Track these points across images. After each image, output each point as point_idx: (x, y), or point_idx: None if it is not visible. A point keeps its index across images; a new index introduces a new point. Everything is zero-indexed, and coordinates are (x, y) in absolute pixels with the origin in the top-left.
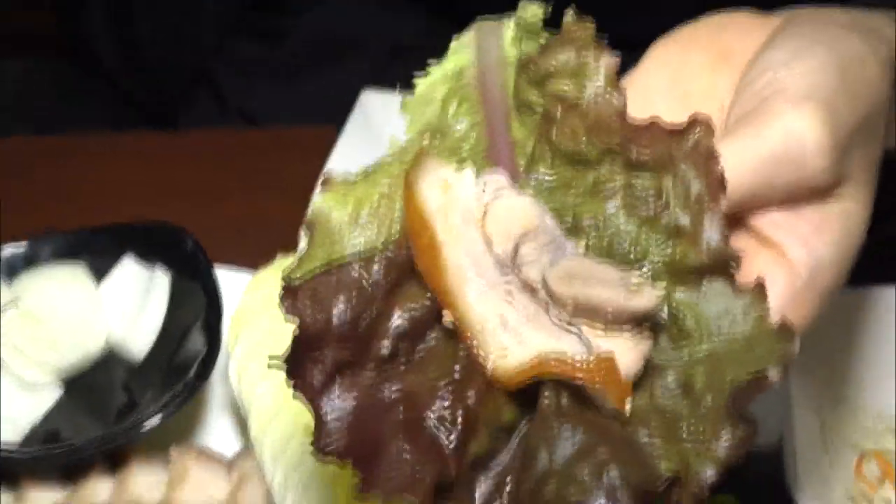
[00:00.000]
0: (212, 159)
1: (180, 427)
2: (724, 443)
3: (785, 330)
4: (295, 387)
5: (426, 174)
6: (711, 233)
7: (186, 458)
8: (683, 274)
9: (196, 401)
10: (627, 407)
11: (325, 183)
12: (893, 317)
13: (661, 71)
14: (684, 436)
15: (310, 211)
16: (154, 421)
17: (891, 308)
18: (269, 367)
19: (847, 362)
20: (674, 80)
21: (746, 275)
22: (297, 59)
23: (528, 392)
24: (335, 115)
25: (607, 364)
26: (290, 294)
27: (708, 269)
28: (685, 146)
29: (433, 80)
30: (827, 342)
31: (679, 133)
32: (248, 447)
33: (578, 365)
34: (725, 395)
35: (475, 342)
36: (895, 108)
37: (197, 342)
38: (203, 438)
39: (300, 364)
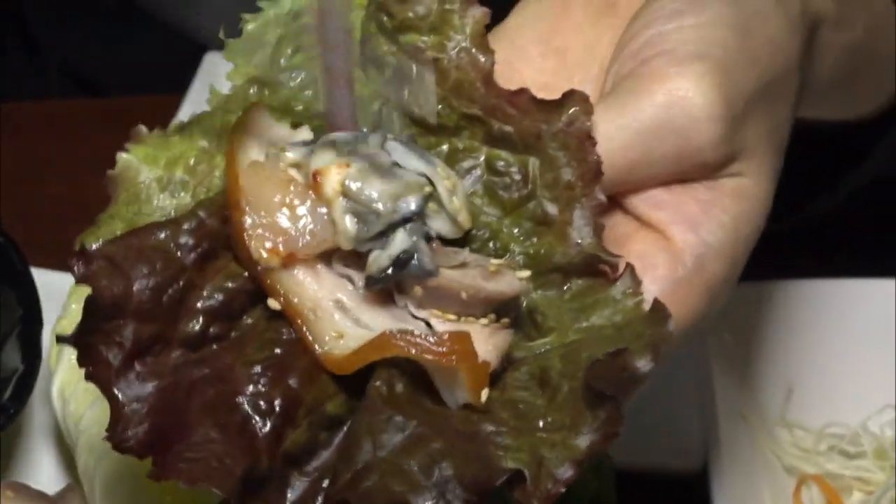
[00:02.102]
0: (26, 133)
1: None
2: (584, 435)
3: (657, 312)
4: (86, 369)
5: (253, 133)
6: (582, 230)
7: (3, 497)
8: (547, 272)
9: (12, 428)
10: (483, 395)
11: (134, 136)
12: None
13: (535, 25)
14: (539, 428)
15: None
16: None
17: (833, 306)
18: (58, 343)
19: (785, 372)
20: (549, 35)
21: (622, 256)
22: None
23: (358, 382)
24: (171, 79)
25: (462, 342)
26: (83, 259)
27: (575, 269)
28: (556, 124)
29: (265, 21)
30: (757, 347)
31: (551, 108)
32: (74, 483)
33: (429, 343)
34: (581, 380)
35: (305, 326)
36: (807, 71)
37: (12, 357)
38: (21, 473)
39: (93, 343)
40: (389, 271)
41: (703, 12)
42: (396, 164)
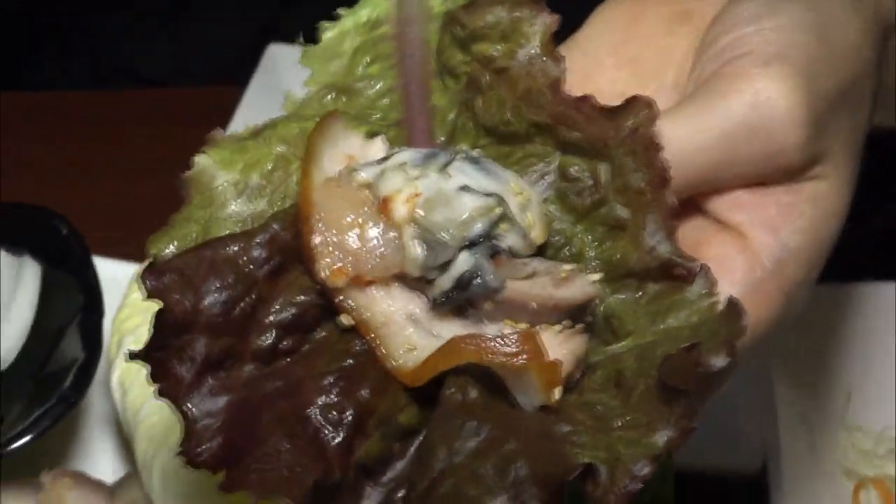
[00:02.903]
0: (82, 126)
1: (53, 448)
2: (660, 432)
3: (732, 310)
4: (158, 385)
5: (329, 142)
6: (656, 234)
7: (60, 485)
8: (622, 277)
9: (72, 417)
10: (556, 395)
11: (210, 139)
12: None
13: (609, 34)
14: (615, 428)
15: (191, 169)
16: (22, 440)
17: (893, 309)
18: (128, 360)
19: (845, 375)
20: (622, 43)
21: (701, 259)
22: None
23: (431, 393)
24: (234, 72)
25: (530, 341)
26: (154, 272)
27: (651, 274)
28: (622, 130)
29: (343, 30)
30: (817, 349)
31: (615, 114)
32: (133, 472)
33: (498, 345)
34: (655, 378)
35: (377, 340)
36: (880, 78)
37: (73, 346)
38: (80, 462)
39: (165, 357)
40: (452, 293)
41: (783, 16)
42: (466, 188)
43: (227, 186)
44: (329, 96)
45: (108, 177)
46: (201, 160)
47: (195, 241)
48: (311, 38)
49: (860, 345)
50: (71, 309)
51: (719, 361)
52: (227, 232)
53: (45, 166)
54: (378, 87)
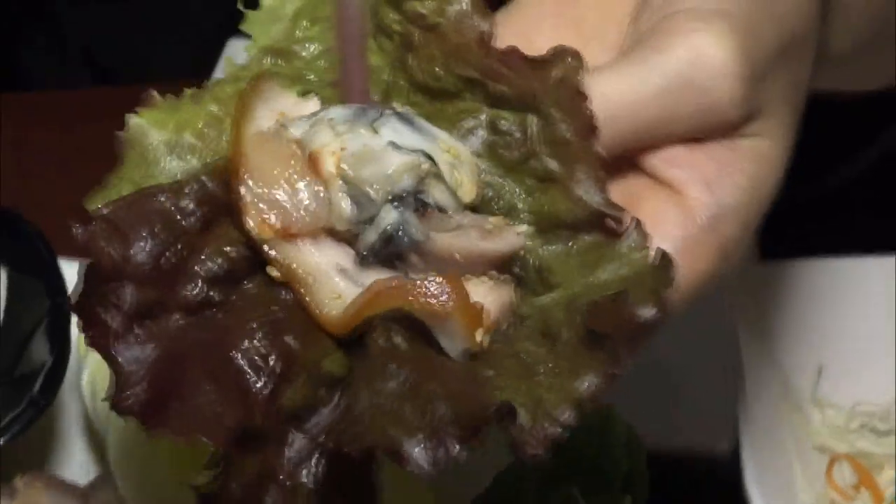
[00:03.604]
0: (49, 123)
1: (25, 452)
2: (583, 378)
3: (662, 261)
4: (87, 333)
5: (262, 100)
6: (586, 185)
7: (34, 489)
8: (553, 228)
9: (43, 420)
10: (479, 338)
11: (144, 101)
12: (863, 289)
13: None
14: (539, 374)
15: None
16: None
17: (862, 283)
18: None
19: (815, 351)
20: (564, 5)
21: (634, 214)
22: None
23: (358, 344)
24: (197, 65)
25: (455, 284)
26: (84, 223)
27: (581, 225)
28: (548, 81)
29: None
30: (786, 326)
31: (541, 65)
32: (106, 474)
33: (422, 288)
34: (581, 326)
35: (303, 290)
36: (822, 36)
37: (41, 350)
38: (53, 465)
39: (93, 306)
40: (378, 246)
41: None
42: (394, 144)
43: (159, 145)
44: (268, 59)
45: (69, 175)
46: (135, 121)
47: None
48: (254, 4)
49: (829, 321)
50: (38, 312)
51: (647, 311)
52: None
53: (4, 166)
54: (314, 48)
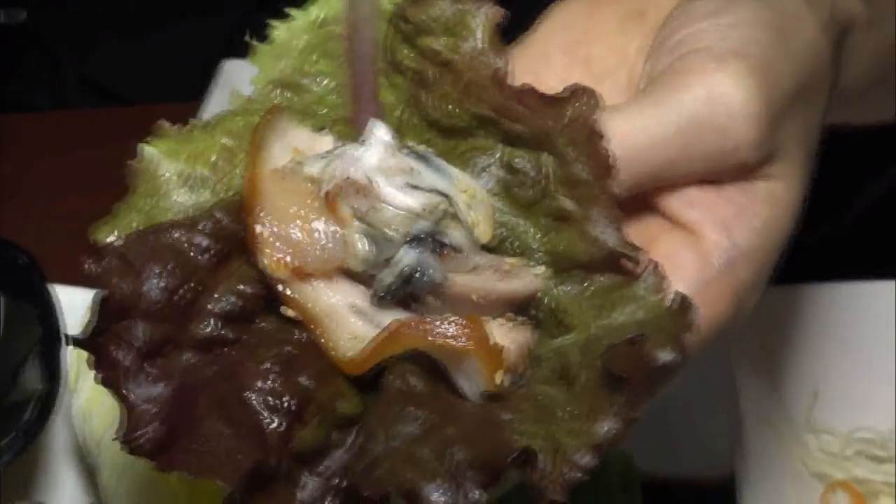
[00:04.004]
0: (42, 146)
1: (16, 480)
2: (602, 422)
3: (681, 305)
4: (98, 371)
5: (277, 134)
6: (602, 225)
7: None
8: (569, 269)
9: (34, 448)
10: (499, 380)
11: (156, 130)
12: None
13: (561, 32)
14: (558, 418)
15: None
16: None
17: (858, 309)
18: (68, 345)
19: (810, 377)
20: (575, 42)
21: (650, 256)
22: (144, 10)
23: (373, 384)
24: (191, 86)
25: (475, 325)
26: (95, 255)
27: (597, 266)
28: (563, 119)
29: (293, 28)
30: (782, 352)
31: (556, 103)
32: (97, 502)
33: (441, 328)
34: (599, 370)
35: (319, 331)
36: (836, 77)
37: (33, 377)
38: (43, 493)
39: (104, 343)
40: (395, 287)
41: (740, 12)
42: (410, 185)
43: (171, 176)
44: (276, 92)
45: (64, 198)
46: (146, 150)
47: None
48: (262, 38)
49: (825, 346)
50: (30, 340)
51: (665, 355)
52: None
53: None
54: (326, 83)
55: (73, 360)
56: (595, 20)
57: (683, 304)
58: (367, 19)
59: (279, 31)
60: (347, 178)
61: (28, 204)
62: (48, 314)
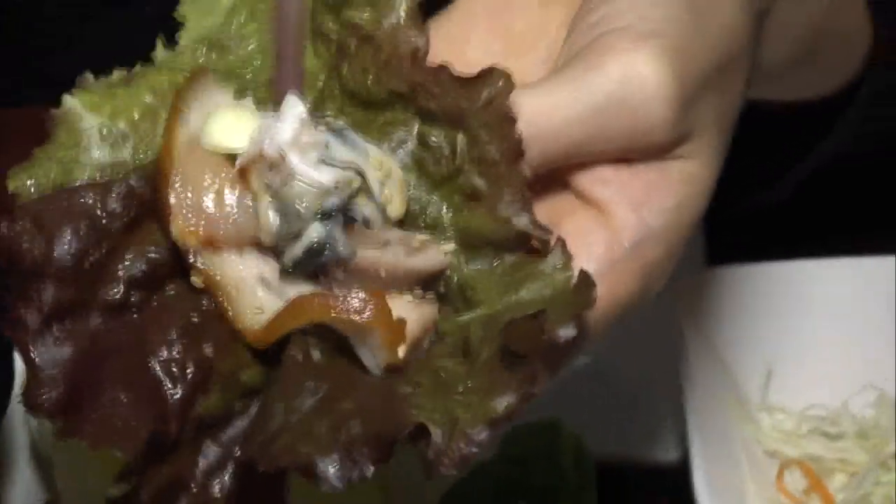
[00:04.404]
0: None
1: None
2: (501, 397)
3: (582, 282)
4: (6, 330)
5: (197, 97)
6: (512, 205)
7: None
8: (478, 246)
9: None
10: (401, 353)
11: (81, 81)
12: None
13: (482, 5)
14: (457, 392)
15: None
16: None
17: (807, 287)
18: None
19: (763, 356)
20: (496, 16)
21: (559, 233)
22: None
23: (276, 355)
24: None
25: (378, 299)
26: (9, 216)
27: (506, 244)
28: (477, 101)
29: None
30: (733, 332)
31: (471, 85)
32: (53, 499)
33: (344, 302)
34: (500, 345)
35: (226, 302)
36: (756, 56)
37: None
38: None
39: (12, 302)
40: (302, 261)
41: None
42: (323, 161)
43: (92, 130)
44: (201, 49)
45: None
46: (69, 101)
47: (54, 181)
48: None
49: (777, 325)
50: None
51: (566, 332)
52: (87, 178)
53: None
54: (251, 46)
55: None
56: None
57: (585, 281)
58: None
59: None
60: (260, 152)
61: None
62: None
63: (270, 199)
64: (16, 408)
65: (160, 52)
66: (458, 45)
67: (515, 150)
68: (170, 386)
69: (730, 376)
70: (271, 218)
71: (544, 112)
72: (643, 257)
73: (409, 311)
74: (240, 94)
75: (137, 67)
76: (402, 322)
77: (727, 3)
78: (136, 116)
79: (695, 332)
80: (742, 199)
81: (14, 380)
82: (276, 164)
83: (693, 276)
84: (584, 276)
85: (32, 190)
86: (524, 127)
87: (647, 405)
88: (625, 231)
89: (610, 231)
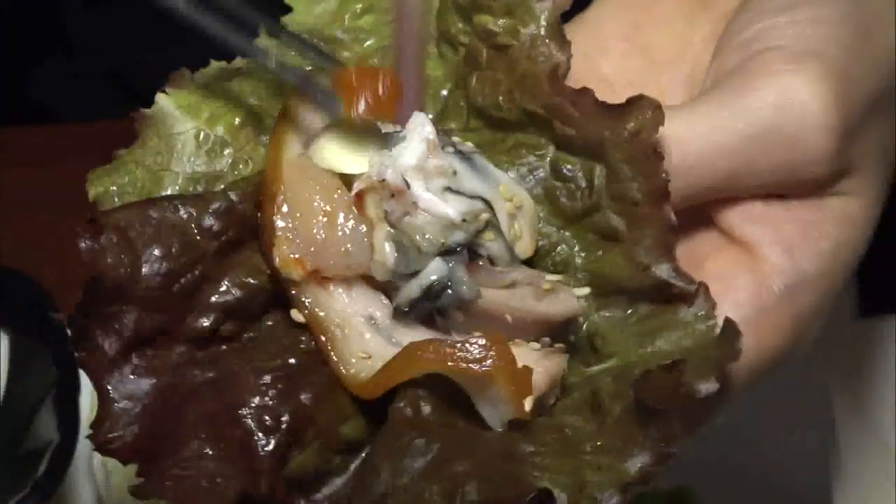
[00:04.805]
0: (57, 160)
1: None
2: (634, 458)
3: (727, 330)
4: (80, 356)
5: (310, 106)
6: (651, 252)
7: None
8: (611, 293)
9: None
10: (527, 407)
11: (174, 78)
12: None
13: (620, 16)
14: (586, 452)
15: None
16: None
17: None
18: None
19: None
20: (635, 28)
21: (701, 276)
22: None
23: (381, 403)
24: None
25: (500, 346)
26: (92, 228)
27: (644, 294)
28: (621, 132)
29: None
30: (888, 387)
31: (615, 114)
32: None
33: (461, 350)
34: (633, 399)
35: (329, 344)
36: None
37: (47, 426)
38: None
39: (90, 326)
40: (419, 302)
41: (820, 6)
42: (450, 189)
43: (188, 135)
44: (310, 42)
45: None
46: (162, 100)
47: (140, 190)
48: None
49: None
50: (44, 383)
51: (707, 386)
52: (178, 188)
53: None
54: (369, 42)
55: (94, 406)
56: (657, 4)
57: (730, 330)
58: None
59: None
60: (381, 178)
61: (38, 235)
62: (63, 353)
63: (389, 230)
64: (80, 463)
65: (263, 40)
66: (592, 59)
67: (661, 190)
68: (261, 437)
69: (882, 441)
70: (388, 251)
71: (691, 140)
72: (795, 305)
73: (536, 361)
74: None
75: (238, 60)
76: (527, 371)
77: (890, 24)
78: (237, 122)
79: (843, 390)
80: None
81: (78, 433)
82: (398, 192)
83: (842, 328)
84: (730, 325)
85: (116, 203)
86: (669, 154)
87: (788, 470)
88: (776, 275)
89: (759, 275)
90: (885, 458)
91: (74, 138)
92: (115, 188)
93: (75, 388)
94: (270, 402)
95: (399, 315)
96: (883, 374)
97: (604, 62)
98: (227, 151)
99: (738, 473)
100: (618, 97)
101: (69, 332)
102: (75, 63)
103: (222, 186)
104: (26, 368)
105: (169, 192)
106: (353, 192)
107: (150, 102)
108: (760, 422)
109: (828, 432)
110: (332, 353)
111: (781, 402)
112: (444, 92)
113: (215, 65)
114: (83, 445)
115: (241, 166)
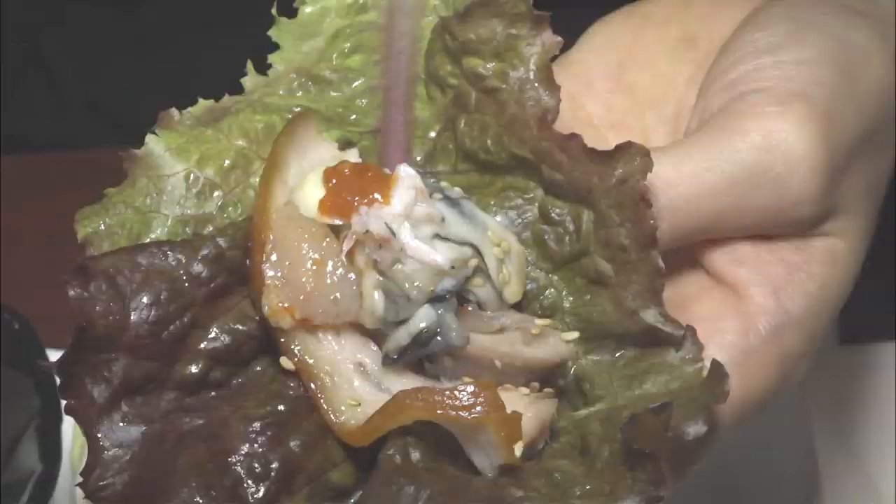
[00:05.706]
0: (40, 190)
1: None
2: (623, 502)
3: (714, 373)
4: (70, 404)
5: (299, 151)
6: (639, 298)
7: None
8: (598, 337)
9: None
10: (518, 452)
11: (163, 119)
12: None
13: (605, 55)
14: (575, 496)
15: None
16: None
17: None
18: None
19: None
20: (619, 68)
21: (688, 318)
22: (156, 29)
23: (371, 450)
24: None
25: (489, 392)
26: (80, 275)
27: (632, 339)
28: (609, 178)
29: (324, 6)
30: (869, 415)
31: (603, 160)
32: None
33: (450, 398)
34: (621, 443)
35: (319, 392)
36: None
37: (30, 456)
38: None
39: (79, 374)
40: (409, 349)
41: (805, 47)
42: (438, 236)
43: (178, 177)
44: (297, 81)
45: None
46: (152, 142)
47: (130, 231)
48: (289, 13)
49: None
50: (26, 413)
51: (695, 428)
52: (167, 231)
53: None
54: (357, 83)
55: (77, 435)
56: (641, 44)
57: (717, 372)
58: (408, 10)
59: (308, 7)
60: (367, 231)
61: (16, 256)
62: (46, 385)
63: (378, 278)
64: (62, 493)
65: (251, 79)
66: (576, 99)
67: (649, 236)
68: (251, 485)
69: (863, 470)
70: (377, 299)
71: (678, 182)
72: (781, 346)
73: (525, 406)
74: (344, 145)
75: (226, 98)
76: (517, 417)
77: (874, 63)
78: (227, 164)
79: (826, 417)
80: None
81: (60, 463)
82: (384, 241)
83: (823, 354)
84: (717, 367)
85: (105, 244)
86: (655, 196)
87: (770, 502)
88: (762, 316)
89: (745, 316)
90: (866, 484)
91: (60, 166)
92: (104, 228)
93: (58, 417)
94: (260, 449)
95: (388, 362)
96: (863, 400)
97: (590, 102)
98: (216, 194)
99: (718, 499)
100: (602, 137)
101: (57, 378)
102: (54, 91)
103: (211, 229)
104: (9, 398)
105: (158, 235)
106: (343, 251)
107: (130, 128)
108: (741, 447)
109: (809, 457)
110: (322, 400)
111: (762, 428)
112: (432, 133)
113: (203, 103)
114: (65, 475)
115: (230, 209)
